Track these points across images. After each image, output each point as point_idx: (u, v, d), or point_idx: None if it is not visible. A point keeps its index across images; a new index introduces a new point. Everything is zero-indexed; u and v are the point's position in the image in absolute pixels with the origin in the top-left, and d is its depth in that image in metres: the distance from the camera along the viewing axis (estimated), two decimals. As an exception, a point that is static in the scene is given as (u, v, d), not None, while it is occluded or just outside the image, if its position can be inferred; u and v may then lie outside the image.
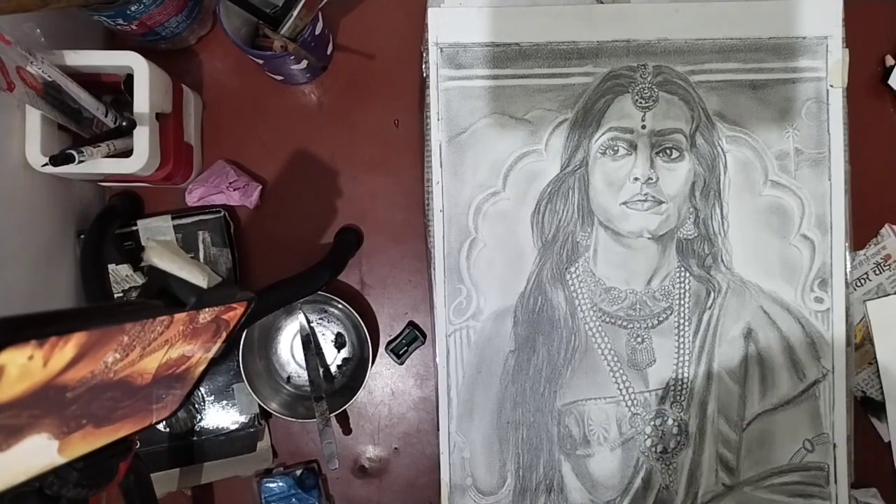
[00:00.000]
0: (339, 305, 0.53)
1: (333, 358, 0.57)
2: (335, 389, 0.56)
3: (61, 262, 0.52)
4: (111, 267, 0.53)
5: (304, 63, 0.51)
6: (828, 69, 0.53)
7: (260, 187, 0.56)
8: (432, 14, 0.53)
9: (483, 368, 0.53)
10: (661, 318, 0.54)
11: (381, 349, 0.57)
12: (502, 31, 0.53)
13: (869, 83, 0.57)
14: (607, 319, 0.53)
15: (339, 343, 0.57)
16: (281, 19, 0.48)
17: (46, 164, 0.44)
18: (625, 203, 0.53)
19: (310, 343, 0.55)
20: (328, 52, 0.56)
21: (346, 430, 0.57)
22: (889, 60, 0.57)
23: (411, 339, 0.56)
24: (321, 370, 0.55)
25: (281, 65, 0.52)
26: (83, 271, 0.47)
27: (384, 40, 0.57)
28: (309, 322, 0.56)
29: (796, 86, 0.53)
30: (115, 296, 0.53)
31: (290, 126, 0.57)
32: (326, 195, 0.57)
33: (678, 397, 0.53)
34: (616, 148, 0.53)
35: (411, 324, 0.57)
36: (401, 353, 0.56)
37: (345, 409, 0.55)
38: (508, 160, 0.53)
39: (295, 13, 0.47)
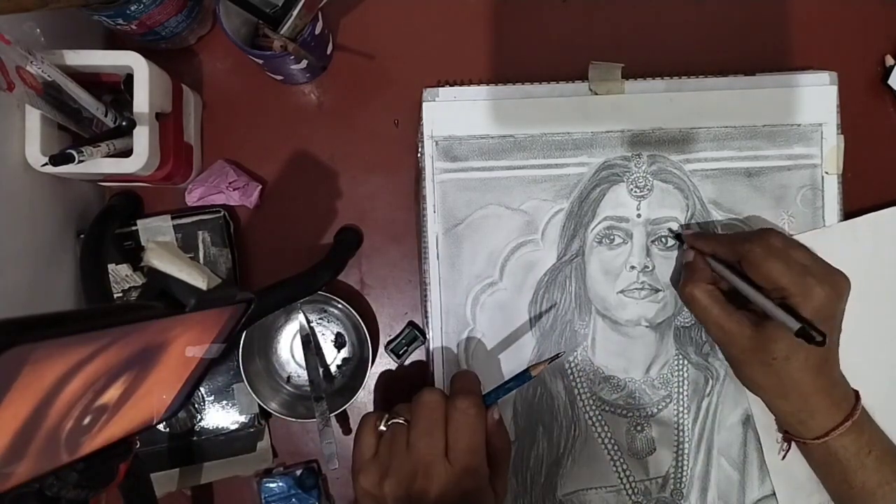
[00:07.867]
0: (339, 305, 0.53)
1: (333, 358, 0.57)
2: (335, 389, 0.56)
3: (61, 262, 0.52)
4: (111, 267, 0.53)
5: (304, 63, 0.51)
6: (823, 156, 0.53)
7: (260, 187, 0.56)
8: (427, 108, 0.53)
9: None
10: (660, 407, 0.54)
11: (381, 349, 0.57)
12: (497, 123, 0.53)
13: (869, 83, 0.57)
14: (607, 408, 0.53)
15: (339, 343, 0.57)
16: (281, 19, 0.48)
17: (46, 164, 0.44)
18: (622, 292, 0.53)
19: (310, 343, 0.55)
20: (328, 52, 0.56)
21: (346, 430, 0.57)
22: (889, 60, 0.57)
23: (411, 338, 0.56)
24: (321, 370, 0.55)
25: (281, 65, 0.52)
26: (83, 271, 0.47)
27: (384, 40, 0.57)
28: (309, 322, 0.56)
29: (791, 173, 0.53)
30: (115, 296, 0.53)
31: (289, 126, 0.57)
32: (326, 195, 0.57)
33: (678, 485, 0.53)
34: (612, 237, 0.53)
35: (411, 324, 0.57)
36: (401, 352, 0.56)
37: (345, 409, 0.55)
38: (505, 250, 0.53)
39: (295, 13, 0.47)
